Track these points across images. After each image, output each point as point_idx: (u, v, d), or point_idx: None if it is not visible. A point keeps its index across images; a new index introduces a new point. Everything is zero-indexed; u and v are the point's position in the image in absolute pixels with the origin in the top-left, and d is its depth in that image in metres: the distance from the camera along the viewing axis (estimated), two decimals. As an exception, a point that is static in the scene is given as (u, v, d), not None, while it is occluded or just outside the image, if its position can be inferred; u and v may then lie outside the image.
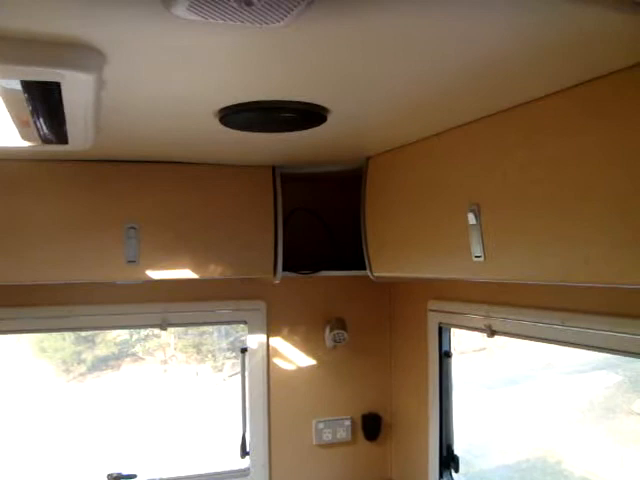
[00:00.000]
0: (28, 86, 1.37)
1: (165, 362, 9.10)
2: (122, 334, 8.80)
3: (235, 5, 0.85)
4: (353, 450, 3.07)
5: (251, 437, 2.92)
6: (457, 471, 2.73)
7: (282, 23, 0.93)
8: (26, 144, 1.86)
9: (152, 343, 9.12)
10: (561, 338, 2.12)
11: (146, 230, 2.35)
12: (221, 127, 1.77)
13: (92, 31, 1.16)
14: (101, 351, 9.08)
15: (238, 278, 2.69)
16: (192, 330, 8.51)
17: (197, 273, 2.44)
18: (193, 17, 0.93)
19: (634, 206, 1.33)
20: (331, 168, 2.60)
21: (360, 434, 3.08)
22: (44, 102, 1.46)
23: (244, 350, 2.92)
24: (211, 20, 0.93)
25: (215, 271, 2.46)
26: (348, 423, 3.05)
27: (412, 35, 1.16)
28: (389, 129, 2.01)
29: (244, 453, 2.91)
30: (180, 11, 0.91)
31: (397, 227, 2.30)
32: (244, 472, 2.92)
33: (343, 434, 3.04)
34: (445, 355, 2.74)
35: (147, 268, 2.37)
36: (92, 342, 9.01)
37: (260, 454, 2.92)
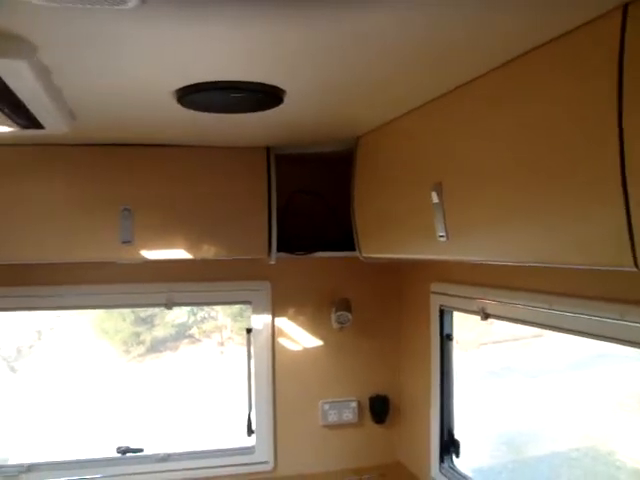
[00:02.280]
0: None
1: (221, 344, 9.32)
2: (180, 316, 9.06)
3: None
4: (360, 432, 3.09)
5: (257, 416, 2.97)
6: (458, 456, 2.71)
7: (131, 4, 0.96)
8: (6, 129, 1.94)
9: (209, 325, 9.35)
10: (548, 322, 2.07)
11: (140, 211, 2.42)
12: (181, 108, 1.81)
13: (12, 21, 1.21)
14: (159, 332, 9.36)
15: (237, 258, 2.73)
16: (248, 312, 8.66)
17: (191, 253, 2.50)
18: (47, 4, 0.96)
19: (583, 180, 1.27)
20: (327, 149, 2.60)
21: (367, 416, 3.09)
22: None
23: (249, 330, 2.97)
24: (67, 5, 0.96)
25: (209, 251, 2.52)
26: (354, 405, 3.06)
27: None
28: (363, 108, 2.00)
29: (250, 431, 2.97)
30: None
31: (378, 207, 2.29)
32: (249, 450, 2.98)
33: (349, 415, 3.06)
34: (447, 338, 2.72)
35: (142, 248, 2.44)
36: (151, 324, 9.28)
37: (265, 433, 2.97)
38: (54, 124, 1.89)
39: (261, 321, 2.96)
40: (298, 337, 3.02)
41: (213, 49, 1.40)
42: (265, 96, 1.73)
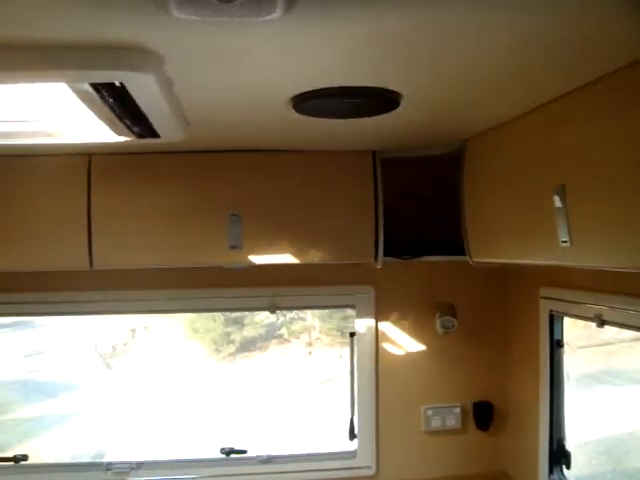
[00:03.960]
0: (99, 88, 1.47)
1: (310, 344, 9.37)
2: (269, 316, 9.17)
3: (216, 2, 0.88)
4: (463, 439, 3.03)
5: (359, 420, 2.96)
6: (568, 467, 2.62)
7: (276, 14, 0.95)
8: (122, 139, 1.99)
9: (297, 326, 9.42)
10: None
11: (248, 217, 2.45)
12: (295, 115, 1.81)
13: (146, 34, 1.23)
14: (249, 332, 9.49)
15: (344, 263, 2.72)
16: (337, 314, 8.68)
17: (298, 258, 2.50)
18: (192, 17, 0.97)
19: None
20: (432, 152, 2.56)
21: (471, 422, 3.03)
22: (120, 101, 1.56)
23: (352, 334, 2.96)
24: (209, 19, 0.96)
25: (316, 256, 2.52)
26: (458, 411, 3.00)
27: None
28: (476, 110, 1.95)
29: (352, 436, 2.96)
30: (176, 13, 0.95)
31: (491, 211, 2.24)
32: (351, 454, 2.96)
33: (453, 421, 3.00)
34: (556, 344, 2.63)
35: (250, 253, 2.47)
36: (240, 324, 9.43)
37: (368, 438, 2.95)
38: (170, 133, 1.93)
39: (364, 325, 2.94)
40: (401, 341, 2.98)
41: (334, 54, 1.39)
42: (382, 100, 1.71)
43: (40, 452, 7.15)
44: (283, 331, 9.39)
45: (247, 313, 8.36)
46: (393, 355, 2.98)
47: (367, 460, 2.96)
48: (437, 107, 1.87)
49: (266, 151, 2.46)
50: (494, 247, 2.26)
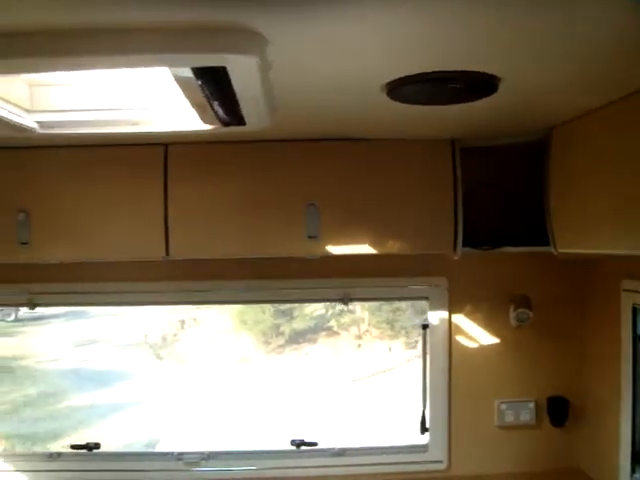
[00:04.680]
0: (199, 72, 1.45)
1: (359, 337, 9.34)
2: (318, 308, 9.17)
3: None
4: (537, 434, 2.95)
5: (431, 414, 2.91)
6: (652, 469, 2.54)
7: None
8: (207, 127, 1.97)
9: (347, 318, 9.39)
10: None
11: (326, 206, 2.41)
12: (389, 101, 1.77)
13: (252, 16, 1.20)
14: (298, 325, 9.51)
15: (419, 254, 2.68)
16: (386, 306, 8.65)
17: (376, 249, 2.46)
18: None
19: None
20: (514, 139, 2.49)
21: (545, 418, 2.95)
22: (216, 86, 1.54)
23: (425, 326, 2.91)
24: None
25: (394, 247, 2.47)
26: (532, 405, 2.93)
27: None
28: (573, 95, 1.88)
29: (424, 429, 2.92)
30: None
31: (582, 200, 2.16)
32: (423, 448, 2.92)
33: (527, 417, 2.93)
34: (639, 339, 2.55)
35: (327, 243, 2.43)
36: (290, 316, 9.46)
37: (439, 431, 2.90)
38: (257, 120, 1.91)
39: (437, 317, 2.89)
40: (475, 334, 2.92)
41: (435, 39, 1.35)
42: (482, 85, 1.66)
43: (96, 440, 7.27)
44: (332, 323, 9.42)
45: (296, 305, 8.41)
46: (466, 348, 2.93)
47: (439, 454, 2.91)
48: (533, 92, 1.81)
49: (344, 140, 2.43)
50: (585, 237, 2.18)
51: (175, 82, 1.52)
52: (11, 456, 3.04)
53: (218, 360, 8.99)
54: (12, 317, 9.30)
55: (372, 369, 8.72)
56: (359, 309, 8.97)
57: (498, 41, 1.37)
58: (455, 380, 2.91)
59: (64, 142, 2.31)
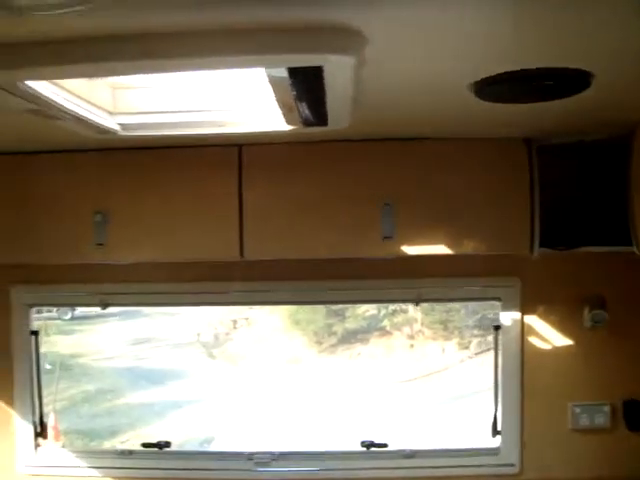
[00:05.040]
0: (293, 72, 1.45)
1: (412, 337, 9.30)
2: (371, 309, 9.15)
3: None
4: (612, 439, 2.88)
5: (503, 416, 2.87)
6: None
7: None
8: (289, 127, 1.97)
9: (399, 318, 9.36)
10: None
11: (401, 206, 2.39)
12: (475, 100, 1.74)
13: (353, 15, 1.20)
14: (351, 324, 9.51)
15: (490, 254, 2.64)
16: (439, 306, 8.58)
17: (451, 249, 2.43)
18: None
19: None
20: (593, 136, 2.43)
21: (621, 422, 2.87)
22: (307, 86, 1.54)
23: (497, 327, 2.86)
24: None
25: (469, 247, 2.44)
26: (607, 409, 2.86)
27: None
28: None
29: (495, 432, 2.87)
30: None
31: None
32: (494, 451, 2.87)
33: (601, 420, 2.86)
34: None
35: (402, 244, 2.42)
36: (342, 316, 9.47)
37: (512, 434, 2.85)
38: (339, 121, 1.90)
39: (510, 318, 2.84)
40: (548, 335, 2.86)
41: (528, 36, 1.32)
42: (575, 82, 1.62)
43: (152, 437, 7.38)
44: (385, 323, 9.41)
45: (349, 305, 8.39)
46: (539, 349, 2.87)
47: (511, 457, 2.86)
48: (624, 88, 1.77)
49: (416, 139, 2.40)
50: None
51: (268, 82, 1.52)
52: (83, 452, 3.09)
53: (270, 360, 9.04)
54: (69, 315, 9.50)
55: (425, 369, 8.68)
56: (412, 309, 8.93)
57: (593, 38, 1.34)
58: (527, 382, 2.85)
59: (140, 144, 2.33)
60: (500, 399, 2.86)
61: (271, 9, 1.18)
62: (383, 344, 9.19)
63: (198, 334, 9.75)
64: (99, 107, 1.90)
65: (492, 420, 2.88)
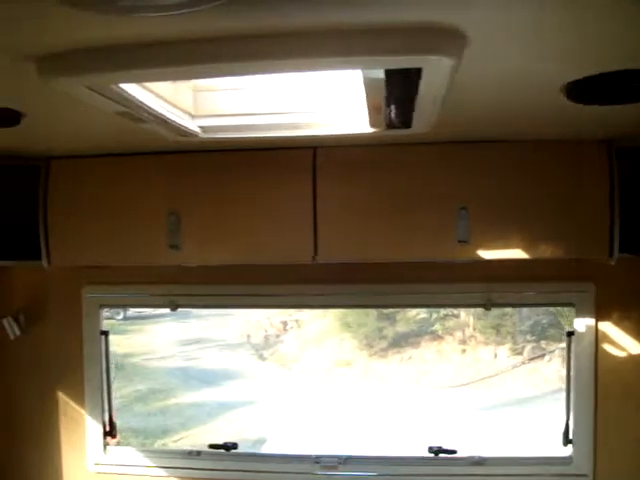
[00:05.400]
0: (390, 74, 1.43)
1: (463, 342, 9.19)
2: (421, 312, 9.08)
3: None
4: None
5: (575, 425, 2.80)
6: None
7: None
8: (371, 130, 1.96)
9: (451, 322, 9.26)
10: None
11: (477, 209, 2.36)
12: (565, 101, 1.70)
13: (455, 15, 1.18)
14: (401, 328, 9.44)
15: (564, 259, 2.58)
16: (492, 311, 8.45)
17: (527, 253, 2.39)
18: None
19: None
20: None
21: (699, 434, 2.79)
22: (401, 88, 1.52)
23: (571, 334, 2.80)
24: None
25: (546, 251, 2.39)
26: (685, 419, 2.78)
27: None
28: None
29: (567, 441, 2.81)
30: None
31: None
32: (566, 460, 2.81)
33: (679, 431, 2.78)
34: None
35: (478, 248, 2.38)
36: (393, 319, 9.41)
37: (584, 443, 2.78)
38: (422, 123, 1.88)
39: (583, 324, 2.78)
40: (623, 342, 2.79)
41: (621, 36, 1.29)
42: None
43: (204, 437, 7.44)
44: (437, 327, 9.31)
45: (400, 309, 8.32)
46: (614, 356, 2.80)
47: (583, 467, 2.79)
48: None
49: (497, 142, 2.36)
50: None
51: (363, 84, 1.50)
52: (151, 452, 3.12)
53: (320, 362, 9.04)
54: (121, 315, 9.62)
55: (477, 375, 8.57)
56: (463, 313, 8.84)
57: None
58: (601, 390, 2.78)
59: (215, 147, 2.34)
60: (572, 407, 2.80)
61: (374, 10, 1.17)
62: (434, 348, 9.11)
63: (248, 336, 9.80)
64: (181, 110, 1.91)
65: (564, 429, 2.82)
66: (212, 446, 3.00)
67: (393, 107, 1.68)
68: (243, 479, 2.92)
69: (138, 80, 1.54)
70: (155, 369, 9.54)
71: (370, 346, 9.31)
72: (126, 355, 9.45)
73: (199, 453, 2.98)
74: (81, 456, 3.01)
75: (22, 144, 2.34)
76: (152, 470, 2.97)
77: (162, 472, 2.96)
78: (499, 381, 8.54)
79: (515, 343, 8.80)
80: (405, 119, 1.82)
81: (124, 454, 3.03)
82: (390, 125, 1.90)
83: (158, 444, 7.60)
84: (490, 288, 2.76)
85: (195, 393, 8.94)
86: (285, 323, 9.84)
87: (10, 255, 2.66)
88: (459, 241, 2.35)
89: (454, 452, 2.86)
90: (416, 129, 1.92)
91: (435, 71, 1.38)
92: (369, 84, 1.50)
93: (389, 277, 2.74)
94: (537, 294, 2.82)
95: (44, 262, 2.57)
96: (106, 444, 3.02)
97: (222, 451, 2.97)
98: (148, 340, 9.85)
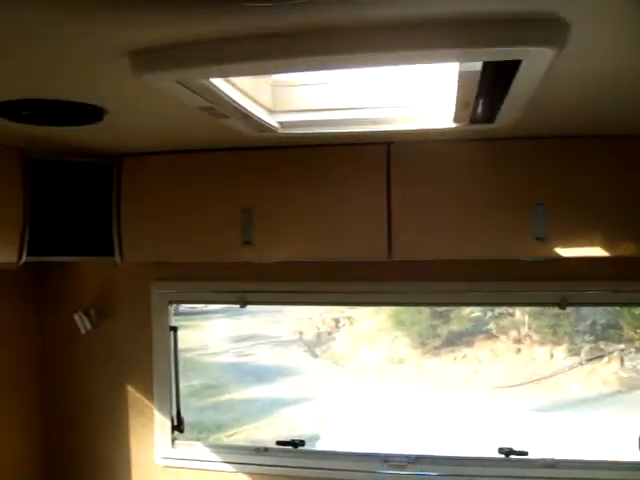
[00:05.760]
0: (487, 67, 1.40)
1: (518, 341, 9.05)
2: (476, 310, 8.97)
3: None
4: None
5: (654, 428, 2.72)
6: None
7: None
8: (453, 125, 1.92)
9: (506, 321, 9.13)
10: None
11: (554, 207, 2.29)
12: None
13: (559, 3, 1.14)
14: (455, 326, 9.35)
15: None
16: (548, 310, 8.31)
17: (607, 251, 2.31)
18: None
19: None
20: None
21: None
22: (496, 81, 1.48)
23: None
24: None
25: (628, 249, 2.31)
26: None
27: None
28: None
29: (644, 445, 2.73)
30: None
31: None
32: (643, 466, 2.73)
33: None
34: None
35: (555, 246, 2.31)
36: (446, 317, 9.32)
37: (663, 448, 2.70)
38: (507, 118, 1.84)
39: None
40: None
41: None
42: None
43: (258, 433, 7.48)
44: (491, 326, 9.20)
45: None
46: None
47: (661, 473, 2.71)
48: None
49: (573, 137, 2.29)
50: None
51: (458, 77, 1.47)
52: (218, 447, 3.15)
53: (373, 360, 9.01)
54: (174, 312, 9.73)
55: (532, 375, 8.43)
56: (519, 312, 8.70)
57: None
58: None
59: (288, 143, 2.33)
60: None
61: (475, 0, 1.14)
62: (488, 347, 8.99)
63: (300, 332, 9.82)
64: (261, 105, 1.91)
65: (640, 433, 2.74)
66: (279, 443, 3.00)
67: (482, 101, 1.64)
68: (310, 476, 2.91)
69: (231, 74, 1.54)
70: (208, 365, 9.63)
71: (423, 344, 9.24)
72: (180, 351, 9.56)
73: (266, 449, 2.98)
74: (149, 449, 3.04)
75: (100, 141, 2.36)
76: (219, 465, 2.98)
77: (229, 467, 2.97)
78: (555, 382, 8.39)
79: (572, 343, 8.64)
80: (490, 114, 1.79)
81: (192, 449, 3.05)
82: (473, 120, 1.86)
83: (212, 439, 7.67)
84: (565, 287, 2.69)
85: (248, 389, 9.00)
86: (337, 320, 9.83)
87: (83, 251, 2.69)
88: (536, 239, 2.29)
89: (525, 454, 2.80)
90: (499, 124, 1.88)
91: (534, 63, 1.34)
92: (464, 77, 1.47)
93: (460, 275, 2.69)
94: (614, 293, 2.73)
95: (117, 258, 2.60)
96: (174, 438, 3.04)
97: (289, 448, 2.97)
98: (201, 336, 9.95)
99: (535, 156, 2.32)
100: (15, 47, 1.32)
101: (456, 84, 1.53)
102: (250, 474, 2.95)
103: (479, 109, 1.72)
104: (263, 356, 9.69)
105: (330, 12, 1.18)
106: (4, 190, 2.42)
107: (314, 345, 9.77)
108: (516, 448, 2.82)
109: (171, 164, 2.56)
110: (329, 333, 9.86)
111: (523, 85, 1.50)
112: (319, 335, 9.86)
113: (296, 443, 2.96)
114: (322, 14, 1.18)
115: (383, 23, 1.24)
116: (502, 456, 2.81)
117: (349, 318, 9.76)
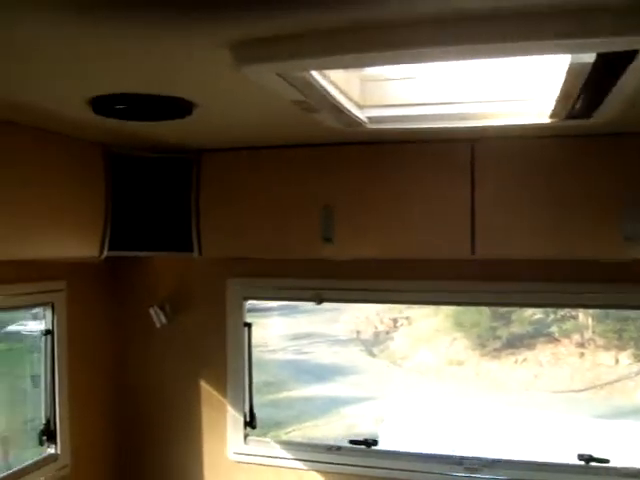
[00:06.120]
0: (599, 59, 1.35)
1: (582, 345, 8.82)
2: (538, 312, 8.78)
3: None
4: None
5: None
6: None
7: None
8: (548, 121, 1.87)
9: (569, 324, 8.91)
10: None
11: None
12: None
13: None
14: (516, 328, 9.16)
15: None
16: (614, 314, 8.08)
17: None
18: None
19: None
20: None
21: None
22: (605, 74, 1.43)
23: None
24: None
25: None
26: None
27: None
28: None
29: None
30: None
31: None
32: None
33: None
34: None
35: None
36: (507, 319, 9.14)
37: None
38: (605, 113, 1.78)
39: None
40: None
41: None
42: None
43: (317, 431, 7.47)
44: (553, 329, 8.99)
45: (516, 308, 8.07)
46: None
47: None
48: None
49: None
50: None
51: (567, 70, 1.43)
52: (290, 444, 3.14)
53: (431, 361, 8.91)
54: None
55: (596, 380, 8.22)
56: (582, 315, 8.49)
57: None
58: None
59: (371, 138, 2.30)
60: None
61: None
62: (550, 351, 8.79)
63: (358, 332, 9.76)
64: (351, 100, 1.89)
65: None
66: (353, 442, 2.98)
67: (585, 95, 1.59)
68: (383, 476, 2.88)
69: (330, 67, 1.53)
70: (267, 362, 9.65)
71: (483, 346, 9.08)
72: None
73: (339, 448, 2.97)
74: (221, 445, 3.06)
75: (181, 137, 2.37)
76: (291, 462, 2.98)
77: (301, 465, 2.97)
78: (621, 388, 8.16)
79: (638, 349, 8.38)
80: (589, 109, 1.73)
81: (264, 445, 3.05)
82: (569, 115, 1.81)
83: (270, 435, 7.70)
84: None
85: (306, 387, 9.00)
86: (395, 320, 9.74)
87: (161, 246, 2.71)
88: (625, 238, 2.22)
89: (607, 461, 2.71)
90: (597, 119, 1.82)
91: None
92: (574, 70, 1.42)
93: (544, 274, 2.62)
94: None
95: (195, 253, 2.61)
96: (246, 434, 3.05)
97: (362, 447, 2.95)
98: (259, 333, 9.97)
99: (627, 154, 2.25)
100: (128, 48, 1.35)
101: (563, 77, 1.47)
102: (322, 472, 2.94)
103: (580, 104, 1.66)
104: (320, 354, 9.67)
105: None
106: (88, 185, 2.46)
107: (372, 344, 9.70)
108: (597, 455, 2.74)
109: (250, 160, 2.56)
110: (387, 333, 9.77)
111: (633, 77, 1.44)
112: (377, 334, 9.78)
113: (369, 443, 2.94)
114: (415, 6, 1.16)
115: (499, 13, 1.21)
116: (582, 463, 2.73)
117: (407, 318, 9.66)
